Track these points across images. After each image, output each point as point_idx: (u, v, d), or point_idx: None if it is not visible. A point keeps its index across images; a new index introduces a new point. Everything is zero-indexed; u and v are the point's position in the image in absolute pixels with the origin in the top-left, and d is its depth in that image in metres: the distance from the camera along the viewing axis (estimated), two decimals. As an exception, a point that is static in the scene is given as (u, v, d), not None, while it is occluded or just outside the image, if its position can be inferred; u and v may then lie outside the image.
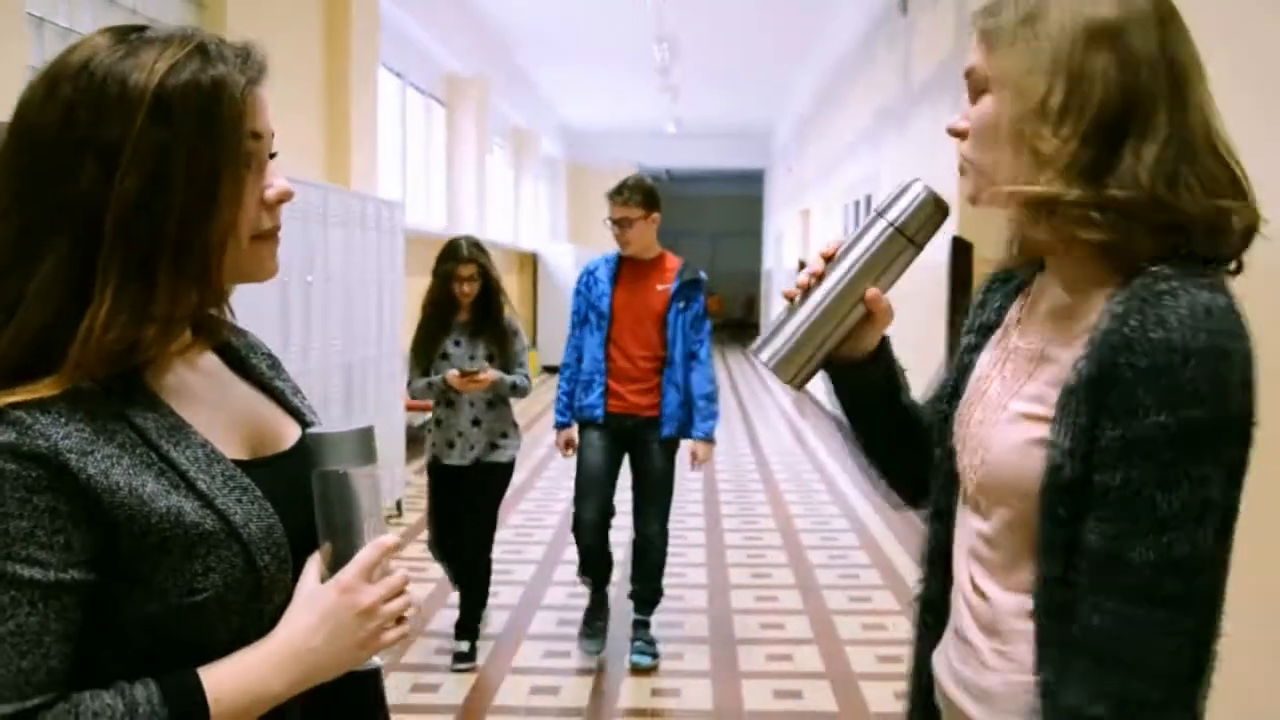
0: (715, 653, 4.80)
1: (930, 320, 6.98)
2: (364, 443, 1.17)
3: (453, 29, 11.54)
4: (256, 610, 1.09)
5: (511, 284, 16.67)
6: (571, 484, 4.68)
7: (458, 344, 4.54)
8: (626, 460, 4.65)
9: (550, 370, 17.54)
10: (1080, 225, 1.22)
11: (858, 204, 10.46)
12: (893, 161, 8.78)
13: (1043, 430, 1.23)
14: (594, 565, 4.68)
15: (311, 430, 1.20)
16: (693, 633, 5.06)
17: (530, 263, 17.92)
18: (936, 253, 6.72)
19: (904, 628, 5.11)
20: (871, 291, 1.45)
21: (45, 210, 1.05)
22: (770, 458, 9.86)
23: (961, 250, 6.56)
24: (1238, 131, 1.29)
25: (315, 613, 1.10)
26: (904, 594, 5.68)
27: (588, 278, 4.61)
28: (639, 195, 4.44)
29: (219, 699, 1.04)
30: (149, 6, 5.56)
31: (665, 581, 4.77)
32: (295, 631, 1.09)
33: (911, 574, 6.04)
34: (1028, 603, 1.27)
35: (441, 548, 4.67)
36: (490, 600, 4.87)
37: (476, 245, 4.51)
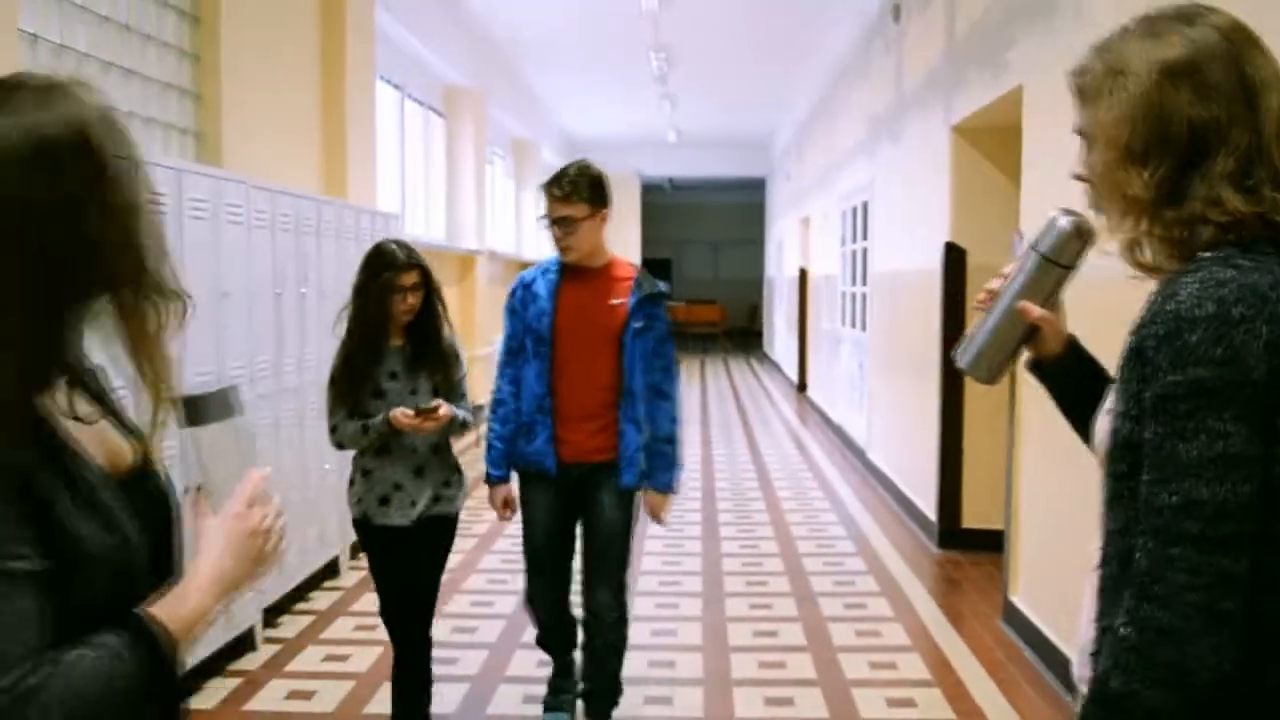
0: (708, 661, 4.81)
1: (928, 318, 7.01)
2: (232, 400, 1.39)
3: (451, 40, 11.58)
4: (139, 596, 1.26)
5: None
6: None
7: (394, 376, 3.64)
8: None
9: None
10: (1173, 248, 1.41)
11: (854, 211, 10.48)
12: (887, 169, 8.80)
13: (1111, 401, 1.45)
14: (555, 637, 4.07)
15: (187, 394, 1.36)
16: (686, 640, 5.07)
17: (532, 272, 17.94)
18: (933, 260, 6.76)
19: (899, 635, 5.13)
20: (1026, 308, 1.70)
21: None
22: (770, 465, 9.87)
23: (954, 255, 6.60)
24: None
25: (220, 539, 1.32)
26: (899, 601, 5.69)
27: (522, 293, 3.75)
28: (584, 188, 3.59)
29: (167, 625, 1.23)
30: (144, 23, 5.59)
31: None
32: (209, 558, 1.31)
33: (909, 585, 6.05)
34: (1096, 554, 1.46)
35: (389, 614, 3.75)
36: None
37: (410, 248, 3.65)
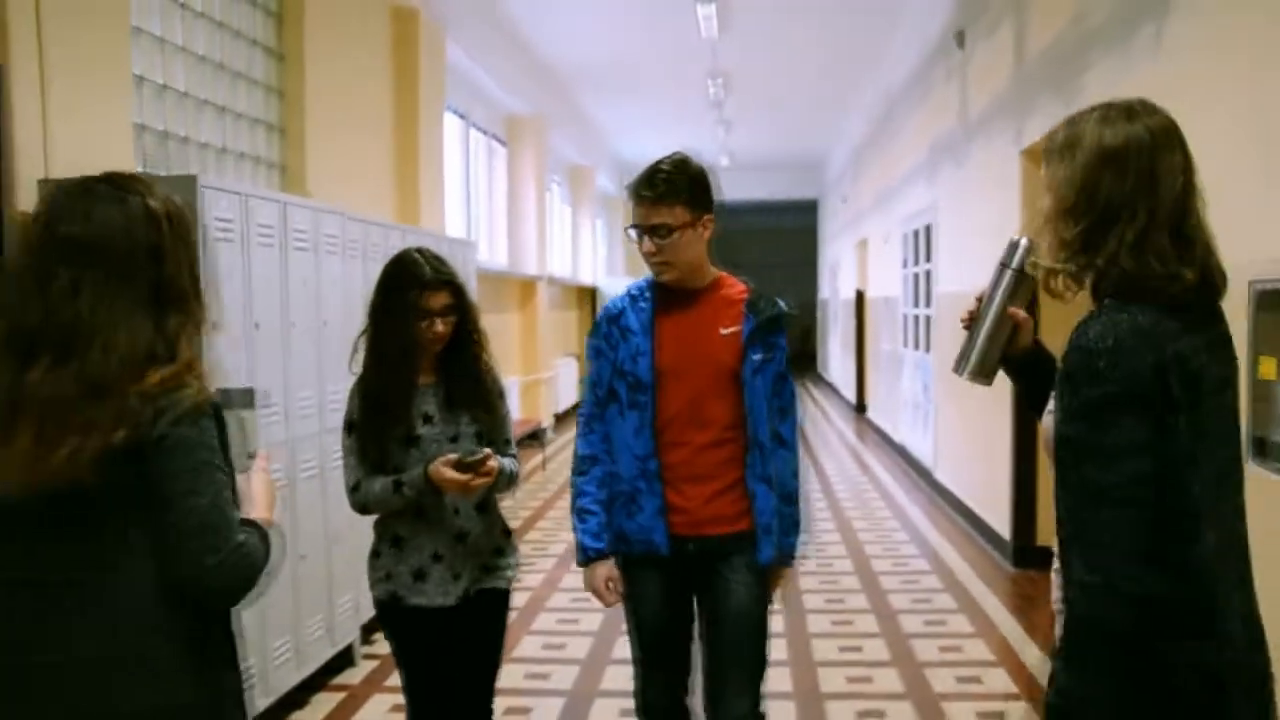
0: (797, 676, 4.89)
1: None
2: (250, 396, 2.22)
3: (513, 70, 11.80)
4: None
5: (570, 320, 16.90)
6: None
7: (428, 420, 3.02)
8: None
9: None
10: (1077, 283, 1.90)
11: (917, 234, 10.55)
12: (950, 193, 8.88)
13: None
14: None
15: (222, 387, 2.03)
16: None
17: (589, 297, 18.14)
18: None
19: (982, 650, 5.19)
20: (1014, 310, 2.15)
21: None
22: (835, 484, 9.94)
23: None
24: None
25: (262, 482, 2.05)
26: (979, 618, 5.74)
27: (608, 328, 3.03)
28: (682, 188, 2.89)
29: (264, 527, 1.95)
30: (235, 61, 5.81)
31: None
32: (262, 495, 2.02)
33: (986, 602, 6.09)
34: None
35: (419, 709, 3.13)
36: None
37: (440, 260, 3.06)
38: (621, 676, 4.81)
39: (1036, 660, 5.05)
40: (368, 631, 5.21)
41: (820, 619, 5.74)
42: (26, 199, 3.79)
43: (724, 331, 2.96)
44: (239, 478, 1.96)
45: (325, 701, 4.62)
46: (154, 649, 1.80)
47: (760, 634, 3.01)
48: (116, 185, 1.86)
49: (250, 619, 3.96)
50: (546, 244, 13.90)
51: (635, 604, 3.05)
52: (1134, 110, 1.89)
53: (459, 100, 10.69)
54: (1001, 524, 7.05)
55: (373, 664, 5.06)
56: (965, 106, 8.35)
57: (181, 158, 5.24)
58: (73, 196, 1.84)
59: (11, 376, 1.75)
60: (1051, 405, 1.93)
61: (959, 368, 2.21)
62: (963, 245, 8.45)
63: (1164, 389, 1.77)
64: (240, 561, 1.81)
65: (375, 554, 3.10)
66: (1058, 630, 1.97)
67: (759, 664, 3.02)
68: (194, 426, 1.80)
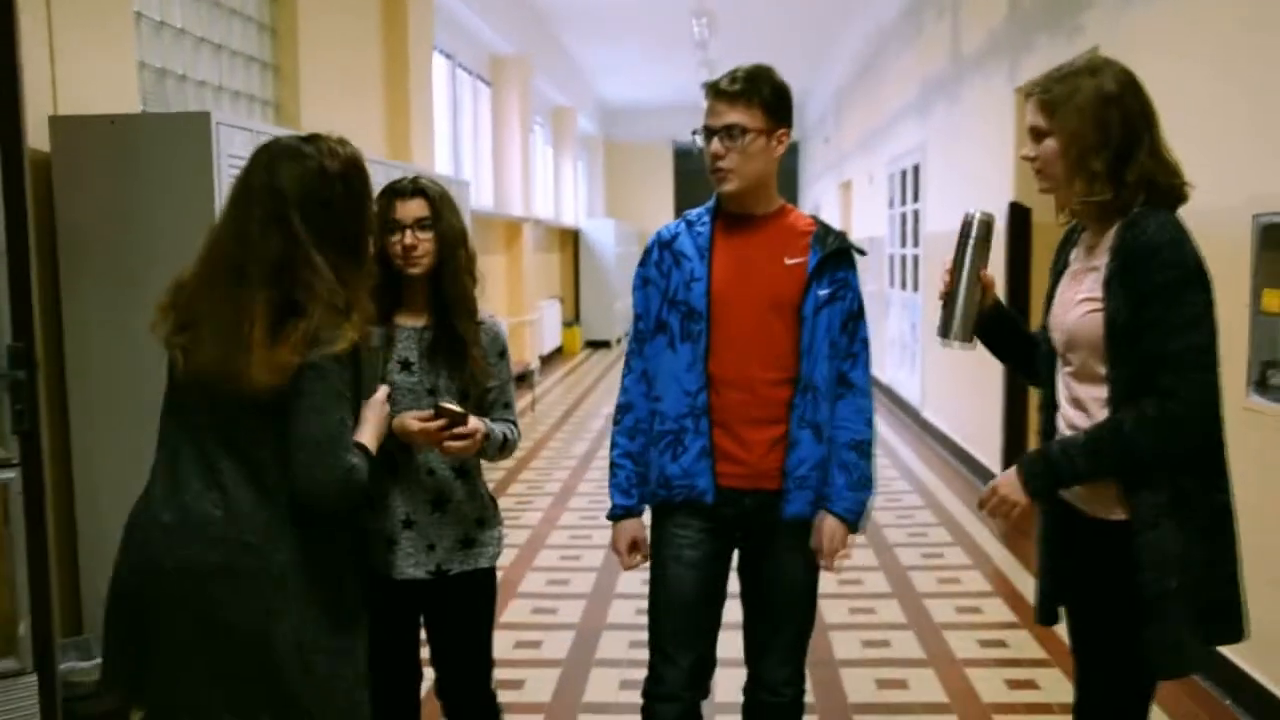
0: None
1: (993, 271, 7.10)
2: (381, 338, 2.52)
3: (498, 9, 11.68)
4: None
5: (554, 262, 16.88)
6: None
7: (406, 367, 2.70)
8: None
9: (596, 345, 17.81)
10: (1114, 203, 2.27)
11: (904, 174, 10.57)
12: (942, 130, 8.89)
13: (1094, 305, 2.25)
14: None
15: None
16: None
17: (571, 239, 18.12)
18: (997, 217, 6.86)
19: (979, 581, 5.29)
20: (984, 274, 2.52)
21: None
22: (823, 425, 10.01)
23: (1018, 213, 6.73)
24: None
25: (375, 412, 2.30)
26: (974, 550, 5.85)
27: (661, 254, 2.78)
28: (764, 88, 2.64)
29: (371, 452, 2.24)
30: (230, -2, 5.75)
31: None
32: (372, 424, 2.27)
33: (980, 535, 6.20)
34: (1102, 392, 2.26)
35: (381, 693, 2.63)
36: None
37: (424, 178, 2.74)
38: (627, 610, 4.90)
39: (1029, 589, 5.13)
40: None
41: (826, 580, 5.79)
42: (38, 137, 3.77)
43: (789, 262, 2.69)
44: (365, 405, 2.27)
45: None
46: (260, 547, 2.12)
47: (810, 600, 2.80)
48: (303, 143, 2.20)
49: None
50: (531, 186, 13.85)
51: (665, 564, 2.75)
52: (1107, 62, 2.33)
53: (445, 40, 10.60)
54: (992, 459, 7.16)
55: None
56: (958, 45, 8.35)
57: (179, 95, 5.20)
58: (263, 152, 2.20)
59: (233, 296, 2.12)
60: (1094, 307, 2.26)
61: (947, 336, 2.51)
62: (953, 184, 8.49)
63: (1204, 269, 2.18)
64: (345, 478, 2.09)
65: None
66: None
67: (805, 632, 2.81)
68: (336, 362, 2.10)
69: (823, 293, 2.69)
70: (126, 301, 3.69)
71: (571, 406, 11.14)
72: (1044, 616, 2.52)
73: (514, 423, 2.82)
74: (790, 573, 2.75)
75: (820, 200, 19.56)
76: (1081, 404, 2.32)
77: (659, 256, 2.78)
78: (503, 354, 2.81)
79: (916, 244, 9.97)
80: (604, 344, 17.91)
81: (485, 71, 12.66)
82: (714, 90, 2.66)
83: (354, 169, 2.22)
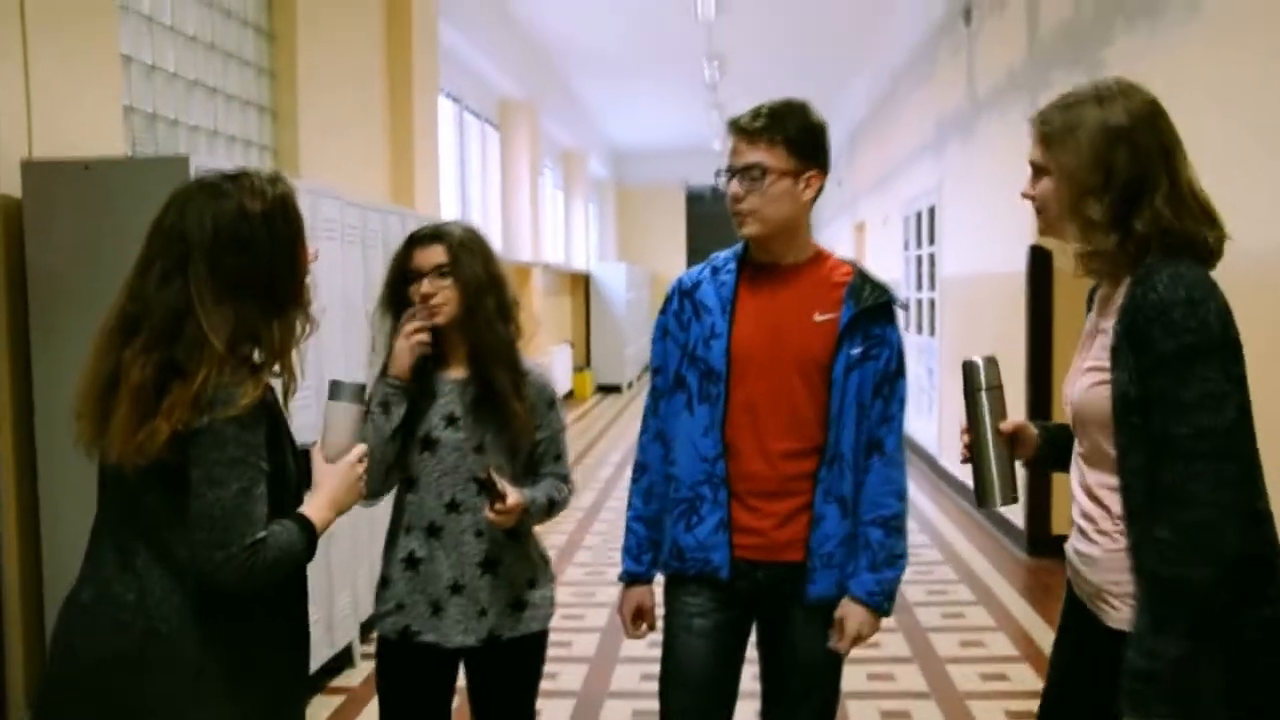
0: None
1: (1011, 317, 6.90)
2: (358, 391, 2.16)
3: (505, 51, 11.59)
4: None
5: (564, 306, 16.71)
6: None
7: (452, 422, 2.59)
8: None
9: (608, 390, 17.60)
10: (1119, 254, 1.95)
11: (919, 215, 10.37)
12: (958, 171, 8.70)
13: (1101, 376, 1.93)
14: None
15: (332, 379, 2.18)
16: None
17: (583, 283, 17.95)
18: (1015, 262, 6.66)
19: (1004, 645, 5.03)
20: (1004, 426, 2.19)
21: None
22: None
23: (1039, 258, 6.51)
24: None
25: (338, 477, 2.07)
26: (998, 610, 5.59)
27: (681, 303, 2.57)
28: (788, 126, 2.43)
29: (315, 527, 1.97)
30: (226, 41, 5.60)
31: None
32: (330, 489, 2.06)
33: (1004, 593, 5.94)
34: (1112, 480, 1.94)
35: None
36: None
37: (450, 225, 2.65)
38: (632, 676, 4.66)
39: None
40: (367, 629, 5.03)
41: (834, 612, 5.58)
42: (9, 180, 3.62)
43: (818, 318, 2.45)
44: (326, 467, 2.08)
45: (324, 705, 4.45)
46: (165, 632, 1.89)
47: (832, 684, 2.57)
48: (222, 181, 1.96)
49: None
50: (540, 230, 13.71)
51: (675, 635, 2.56)
52: (1125, 88, 1.98)
53: (452, 83, 10.48)
54: (1014, 512, 6.89)
55: (372, 664, 4.87)
56: (973, 84, 8.17)
57: (171, 140, 5.03)
58: (180, 192, 1.97)
59: (115, 355, 1.89)
60: (1103, 377, 1.95)
61: (986, 502, 2.21)
62: (970, 226, 8.28)
63: (1231, 336, 1.84)
64: (250, 559, 1.84)
65: (384, 582, 2.65)
66: (1119, 607, 1.98)
67: (826, 716, 2.58)
68: (235, 424, 1.85)
69: (854, 352, 2.45)
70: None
71: (581, 453, 10.90)
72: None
73: (565, 477, 2.70)
74: (810, 652, 2.50)
75: (834, 243, 19.38)
76: (1095, 495, 2.01)
77: (679, 305, 2.57)
78: (552, 404, 2.69)
79: (933, 287, 9.75)
80: (615, 389, 17.69)
81: (493, 115, 12.56)
82: (735, 127, 2.46)
83: (280, 208, 1.96)
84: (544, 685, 4.52)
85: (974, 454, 2.19)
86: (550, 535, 7.35)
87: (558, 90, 14.78)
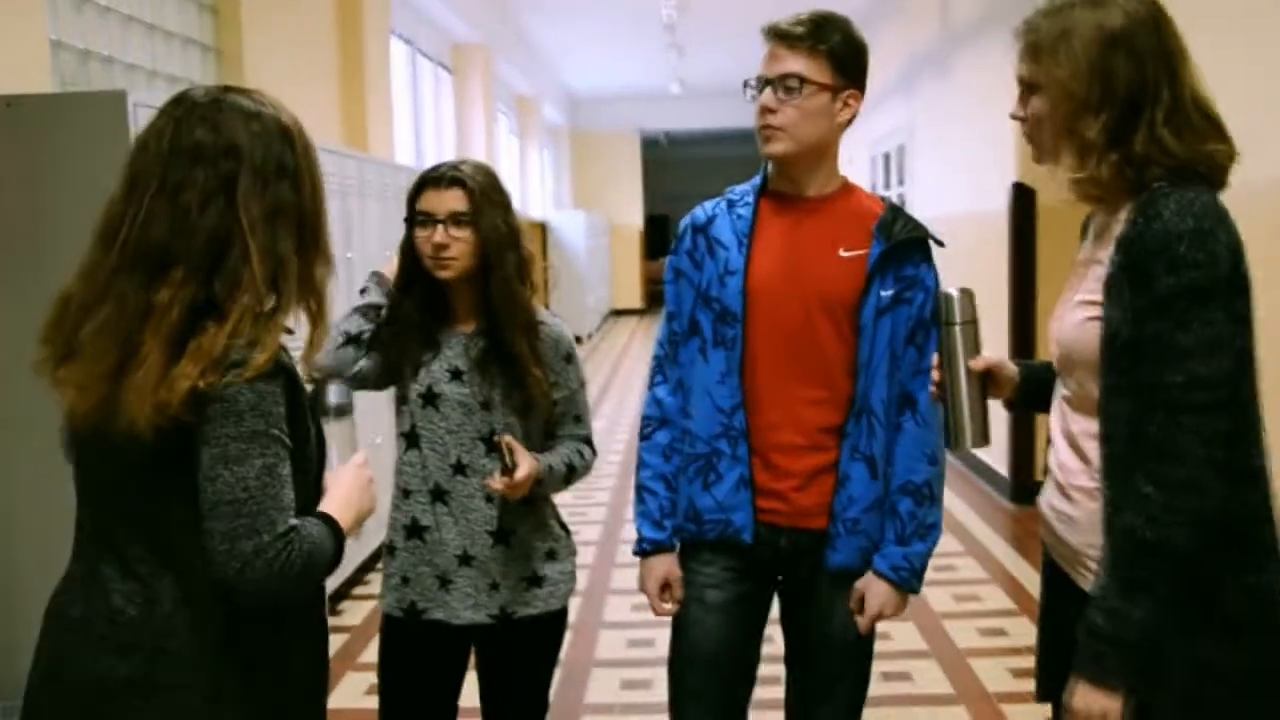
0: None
1: (991, 256, 6.69)
2: (345, 401, 2.00)
3: (458, -8, 11.17)
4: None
5: (522, 254, 16.34)
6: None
7: (457, 376, 2.38)
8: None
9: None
10: (1118, 178, 1.71)
11: (888, 156, 10.14)
12: (931, 108, 8.45)
13: (1094, 310, 1.71)
14: None
15: (314, 390, 1.82)
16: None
17: (540, 232, 17.61)
18: (995, 201, 6.44)
19: (999, 598, 4.87)
20: (974, 364, 1.96)
21: None
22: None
23: (1022, 195, 6.30)
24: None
25: (351, 481, 1.75)
26: (989, 562, 5.42)
27: (694, 239, 2.33)
28: (831, 36, 2.21)
29: (340, 525, 1.66)
30: (162, -28, 5.22)
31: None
32: (344, 491, 1.73)
33: (994, 545, 5.77)
34: (1093, 426, 1.72)
35: None
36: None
37: (469, 165, 2.40)
38: (617, 643, 4.43)
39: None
40: (334, 600, 4.77)
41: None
42: (-76, 122, 3.28)
43: (844, 254, 2.23)
44: (329, 474, 1.75)
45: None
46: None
47: (863, 662, 2.39)
48: (245, 97, 1.66)
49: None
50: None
51: (686, 608, 2.35)
52: None
53: (404, 25, 10.07)
54: (998, 460, 6.71)
55: (342, 638, 4.62)
56: (947, 15, 7.90)
57: (105, 79, 4.67)
58: (200, 105, 1.62)
59: (139, 295, 1.54)
60: (1094, 312, 1.72)
61: (955, 444, 2.01)
62: (944, 165, 8.05)
63: (1241, 272, 1.63)
64: (285, 551, 1.50)
65: (390, 549, 2.45)
66: (1097, 560, 1.76)
67: (858, 700, 2.39)
68: (251, 390, 1.51)
69: (886, 294, 2.21)
70: (33, 302, 3.17)
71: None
72: (1043, 693, 1.99)
73: (586, 439, 2.50)
74: (840, 628, 2.30)
75: (794, 187, 19.14)
76: (1076, 444, 1.78)
77: (692, 243, 2.33)
78: (569, 358, 2.46)
79: (903, 230, 9.53)
80: (577, 339, 17.40)
81: (446, 59, 12.14)
82: (774, 33, 2.23)
83: (307, 137, 1.70)
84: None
85: (944, 393, 1.99)
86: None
87: (512, 34, 14.35)
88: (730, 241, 2.27)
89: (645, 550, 2.37)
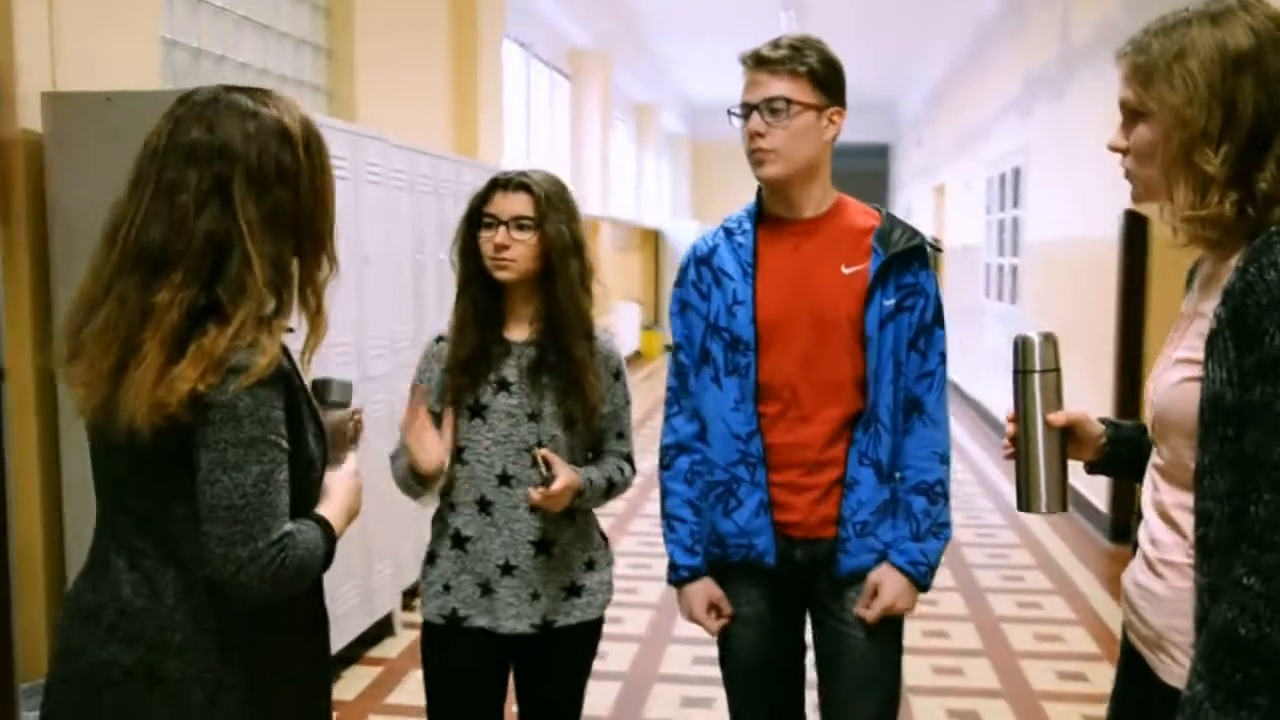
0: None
1: (1100, 286, 6.48)
2: (346, 389, 1.85)
3: (577, 0, 11.24)
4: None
5: (633, 262, 16.40)
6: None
7: (504, 387, 2.39)
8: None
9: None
10: (1237, 220, 1.50)
11: (1003, 178, 9.90)
12: (1048, 130, 8.22)
13: (1194, 371, 1.52)
14: None
15: (316, 379, 1.82)
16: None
17: (653, 240, 17.63)
18: (1108, 229, 6.24)
19: (1083, 641, 4.70)
20: (1054, 419, 1.79)
21: None
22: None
23: (1134, 223, 6.09)
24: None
25: (346, 486, 1.76)
26: (1077, 601, 5.24)
27: (699, 271, 2.35)
28: (810, 58, 2.23)
29: (334, 528, 1.68)
30: (278, -26, 5.35)
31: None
32: (341, 496, 1.74)
33: (1085, 583, 5.59)
34: (1188, 499, 1.53)
35: None
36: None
37: (536, 173, 2.44)
38: (683, 658, 4.39)
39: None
40: (410, 596, 4.82)
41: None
42: (30, 114, 3.41)
43: (846, 270, 2.26)
44: (326, 474, 1.75)
45: (361, 675, 4.24)
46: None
47: (889, 675, 2.34)
48: (244, 97, 1.63)
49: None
50: (609, 184, 13.40)
51: (729, 632, 2.37)
52: (1244, 2, 1.54)
53: (520, 29, 10.18)
54: (1097, 495, 6.49)
55: (414, 634, 4.67)
56: (1067, 36, 7.69)
57: (216, 77, 4.80)
58: (199, 105, 1.62)
59: (139, 296, 1.55)
60: (1195, 372, 1.53)
61: (1028, 506, 1.84)
62: (1059, 189, 7.83)
63: None
64: (279, 558, 1.54)
65: (431, 558, 2.46)
66: (1151, 629, 1.64)
67: (886, 715, 2.34)
68: (251, 396, 1.53)
69: (888, 303, 2.25)
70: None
71: (645, 416, 10.63)
72: None
73: (628, 457, 2.52)
74: (860, 640, 2.30)
75: (912, 205, 18.89)
76: (1170, 518, 1.60)
77: (696, 274, 2.36)
78: (618, 375, 2.47)
79: (1016, 253, 9.31)
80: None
81: (563, 64, 12.25)
82: (755, 60, 2.26)
83: (316, 136, 1.67)
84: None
85: (1018, 448, 1.83)
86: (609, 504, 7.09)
87: (632, 42, 14.40)
88: (735, 271, 2.30)
89: (682, 578, 2.38)
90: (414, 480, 2.36)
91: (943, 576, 5.26)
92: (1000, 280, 10.08)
